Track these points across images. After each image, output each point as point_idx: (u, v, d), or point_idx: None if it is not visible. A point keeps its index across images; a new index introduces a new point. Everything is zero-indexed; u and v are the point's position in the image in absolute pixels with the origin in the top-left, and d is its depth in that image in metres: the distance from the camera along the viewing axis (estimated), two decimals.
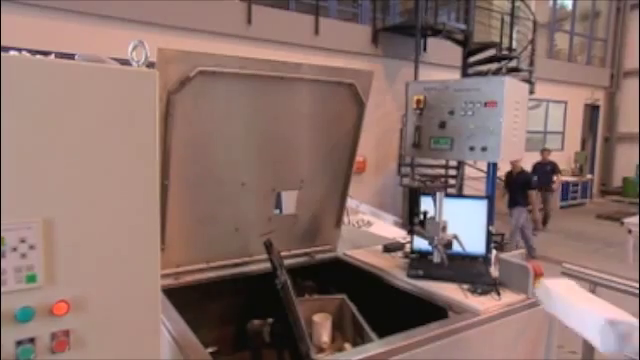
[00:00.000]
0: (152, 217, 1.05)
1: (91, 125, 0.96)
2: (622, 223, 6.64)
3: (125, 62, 1.06)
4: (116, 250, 1.01)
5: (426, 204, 1.94)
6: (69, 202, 0.94)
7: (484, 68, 7.93)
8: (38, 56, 0.92)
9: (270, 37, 7.08)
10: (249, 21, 6.93)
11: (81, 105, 0.95)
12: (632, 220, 6.56)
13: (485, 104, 2.29)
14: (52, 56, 1.00)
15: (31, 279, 0.90)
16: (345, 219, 2.51)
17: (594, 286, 2.50)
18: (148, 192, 1.04)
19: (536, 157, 8.79)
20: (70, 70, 0.94)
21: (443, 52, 8.51)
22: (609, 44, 13.22)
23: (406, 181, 7.56)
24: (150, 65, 1.09)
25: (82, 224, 0.96)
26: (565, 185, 11.07)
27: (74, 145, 0.95)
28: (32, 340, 0.90)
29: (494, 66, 7.88)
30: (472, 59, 8.06)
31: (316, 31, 7.60)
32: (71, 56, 1.01)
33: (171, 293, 1.71)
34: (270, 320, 1.78)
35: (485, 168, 2.78)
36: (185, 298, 1.75)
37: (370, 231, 3.32)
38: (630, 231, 6.37)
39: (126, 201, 1.01)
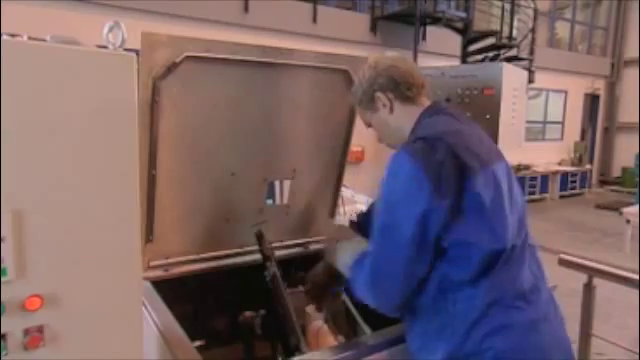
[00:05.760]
0: (132, 207, 1.01)
1: (64, 110, 0.91)
2: (621, 213, 6.62)
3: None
4: (93, 242, 0.96)
5: None
6: (41, 192, 0.90)
7: (480, 57, 7.84)
8: (5, 37, 0.86)
9: (267, 25, 6.97)
10: (246, 9, 6.82)
11: (53, 89, 0.90)
12: (631, 210, 6.54)
13: (482, 91, 2.23)
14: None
15: (1, 273, 0.86)
16: (340, 209, 2.47)
17: (591, 276, 2.46)
18: (127, 181, 1.00)
19: (536, 147, 8.74)
20: (41, 52, 0.89)
21: (443, 41, 8.40)
22: (610, 33, 13.09)
23: None
24: (136, 52, 1.04)
25: (55, 215, 0.91)
26: (564, 175, 11.04)
27: (46, 131, 0.90)
28: (3, 336, 0.86)
29: (491, 54, 7.79)
30: (472, 48, 7.97)
31: (314, 19, 7.49)
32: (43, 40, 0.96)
33: (161, 285, 1.67)
34: (262, 312, 1.75)
35: None
36: (175, 290, 1.72)
37: None
38: (628, 221, 6.35)
39: (103, 191, 0.96)
